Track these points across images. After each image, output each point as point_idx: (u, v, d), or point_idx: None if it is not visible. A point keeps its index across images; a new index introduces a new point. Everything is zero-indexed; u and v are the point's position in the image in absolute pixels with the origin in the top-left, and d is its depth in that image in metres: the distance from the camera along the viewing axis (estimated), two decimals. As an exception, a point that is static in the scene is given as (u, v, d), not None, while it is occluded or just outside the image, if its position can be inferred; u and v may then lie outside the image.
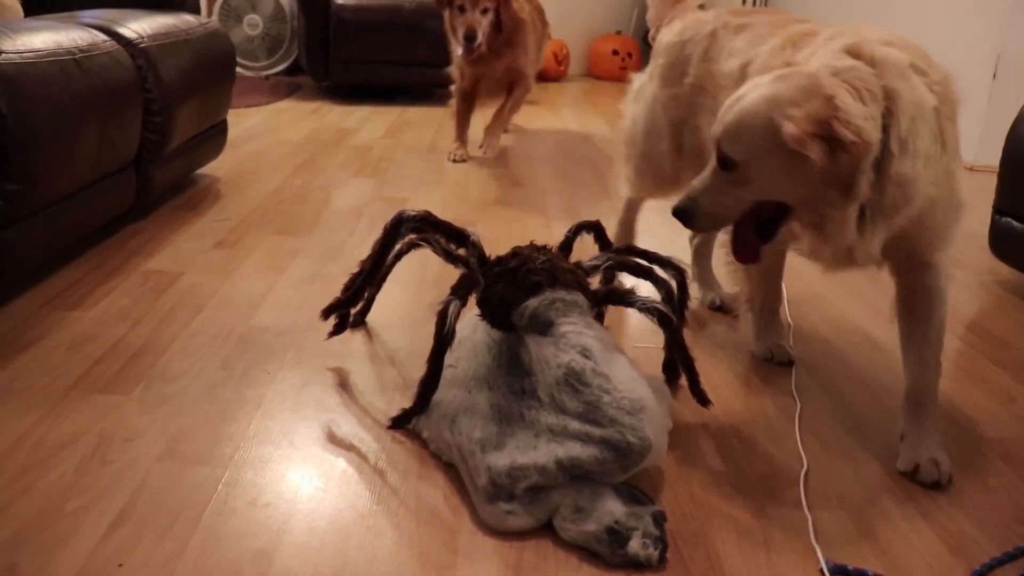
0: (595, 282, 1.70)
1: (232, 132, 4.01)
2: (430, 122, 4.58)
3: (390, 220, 1.69)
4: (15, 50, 1.90)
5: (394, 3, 5.05)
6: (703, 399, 1.62)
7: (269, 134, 4.06)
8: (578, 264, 1.65)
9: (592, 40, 7.18)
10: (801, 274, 2.52)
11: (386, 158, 3.68)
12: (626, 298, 1.56)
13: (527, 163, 3.76)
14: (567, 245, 1.75)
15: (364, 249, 2.50)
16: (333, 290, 2.16)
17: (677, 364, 1.67)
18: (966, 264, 2.74)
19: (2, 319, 1.92)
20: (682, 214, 1.48)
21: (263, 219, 2.74)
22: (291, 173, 3.33)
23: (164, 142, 2.57)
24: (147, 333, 1.89)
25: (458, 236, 1.65)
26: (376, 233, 2.64)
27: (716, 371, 1.86)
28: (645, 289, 1.68)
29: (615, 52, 6.95)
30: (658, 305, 1.54)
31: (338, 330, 1.84)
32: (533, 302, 1.47)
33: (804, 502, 1.39)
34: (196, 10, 3.23)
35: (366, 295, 1.91)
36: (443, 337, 1.44)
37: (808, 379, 1.85)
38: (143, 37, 2.51)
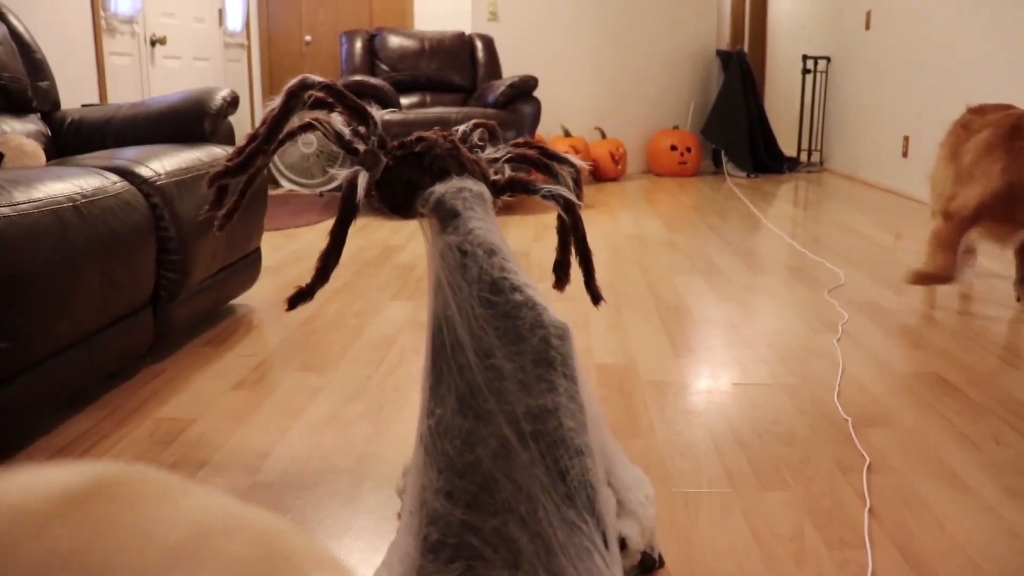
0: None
1: (278, 255, 3.96)
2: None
3: (292, 84, 1.46)
4: (8, 203, 1.82)
5: (440, 115, 5.02)
6: (596, 296, 1.55)
7: (315, 255, 3.98)
8: (478, 156, 1.56)
9: (650, 137, 7.08)
10: (867, 388, 2.28)
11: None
12: (530, 186, 1.49)
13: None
14: (464, 140, 1.63)
15: (391, 384, 2.37)
16: (350, 436, 2.01)
17: (568, 267, 1.60)
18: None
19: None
20: None
21: (289, 353, 2.61)
22: (328, 298, 3.22)
23: (183, 280, 2.48)
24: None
25: (360, 113, 1.50)
26: (406, 364, 2.52)
27: (767, 518, 1.62)
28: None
29: (673, 147, 6.83)
30: (562, 191, 1.47)
31: (216, 201, 1.59)
32: (440, 188, 1.40)
33: None
34: (229, 140, 3.19)
35: (257, 164, 1.65)
36: (350, 208, 1.41)
37: (880, 528, 1.60)
38: (160, 175, 2.44)
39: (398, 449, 1.93)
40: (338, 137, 1.54)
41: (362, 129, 1.54)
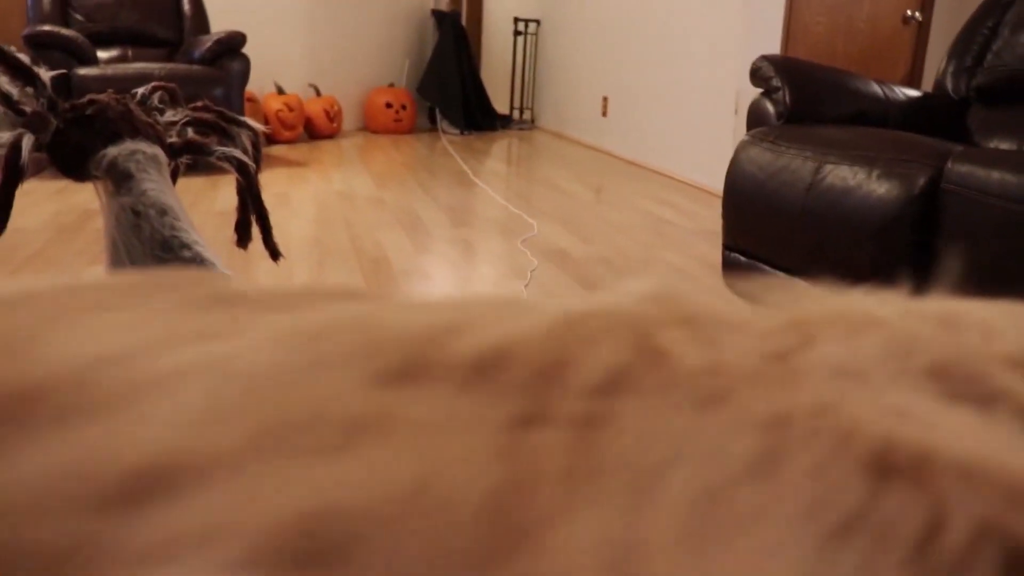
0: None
1: (-40, 222, 3.70)
2: (184, 194, 4.38)
3: None
4: None
5: (141, 71, 4.83)
6: (275, 252, 1.64)
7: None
8: (155, 119, 1.61)
9: (365, 94, 7.15)
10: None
11: (131, 238, 3.47)
12: (204, 148, 1.56)
13: (278, 234, 3.64)
14: (143, 102, 1.71)
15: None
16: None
17: (249, 225, 1.68)
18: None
19: None
20: None
21: (-27, 323, 2.50)
22: (17, 267, 3.07)
23: None
24: None
25: (24, 73, 1.51)
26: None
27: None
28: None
29: (389, 105, 6.95)
30: (236, 154, 1.54)
31: None
32: (112, 151, 1.43)
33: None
34: None
35: None
36: (15, 171, 1.40)
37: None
38: None
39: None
40: (4, 98, 1.53)
41: (30, 89, 1.54)
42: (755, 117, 2.72)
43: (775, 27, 4.55)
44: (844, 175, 2.12)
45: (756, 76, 2.69)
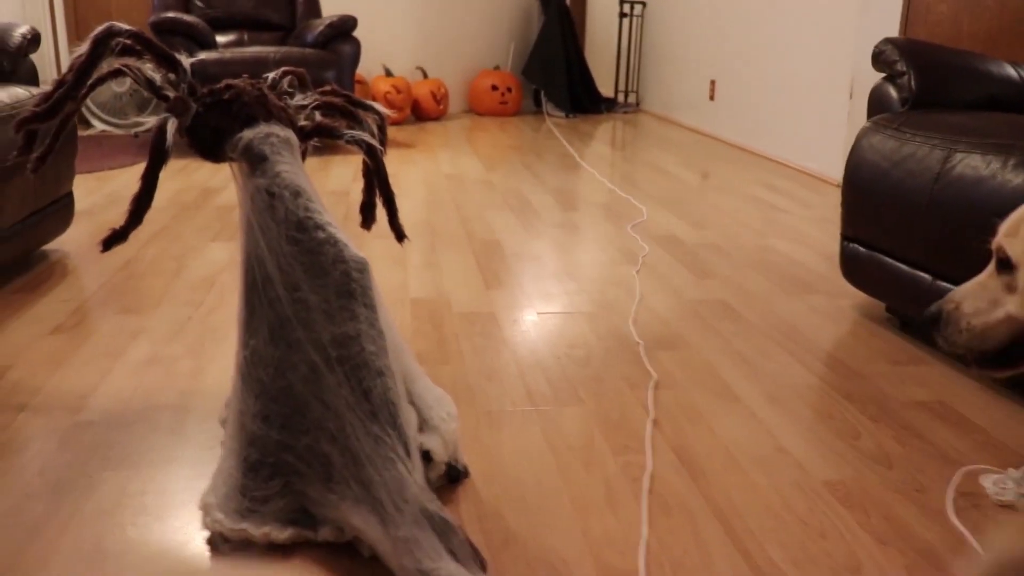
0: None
1: (92, 198, 3.87)
2: (301, 174, 4.49)
3: (99, 31, 1.52)
4: None
5: (257, 55, 4.96)
6: (400, 234, 1.69)
7: (130, 199, 3.91)
8: (286, 103, 1.66)
9: (471, 77, 7.20)
10: (659, 314, 2.52)
11: (250, 218, 3.58)
12: (334, 131, 1.62)
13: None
14: (274, 87, 1.74)
15: (212, 322, 2.43)
16: (172, 373, 2.08)
17: (374, 207, 1.71)
18: (824, 288, 2.78)
19: None
20: (934, 320, 1.25)
21: (108, 296, 2.62)
22: (146, 242, 3.20)
23: (-9, 226, 2.44)
24: (-41, 441, 1.77)
25: (170, 61, 1.57)
26: (227, 303, 2.58)
27: (562, 430, 1.82)
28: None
29: (494, 87, 6.98)
30: (365, 137, 1.60)
31: (27, 147, 1.68)
32: (248, 134, 1.49)
33: (642, 571, 1.35)
34: (32, 80, 3.10)
35: (66, 111, 1.63)
36: (160, 153, 1.47)
37: (660, 435, 1.82)
38: (-40, 118, 2.38)
39: (220, 383, 2.02)
40: (149, 84, 1.59)
41: (172, 76, 1.60)
42: (877, 103, 2.64)
43: (894, 7, 4.40)
44: (976, 164, 2.05)
45: (879, 60, 2.61)
